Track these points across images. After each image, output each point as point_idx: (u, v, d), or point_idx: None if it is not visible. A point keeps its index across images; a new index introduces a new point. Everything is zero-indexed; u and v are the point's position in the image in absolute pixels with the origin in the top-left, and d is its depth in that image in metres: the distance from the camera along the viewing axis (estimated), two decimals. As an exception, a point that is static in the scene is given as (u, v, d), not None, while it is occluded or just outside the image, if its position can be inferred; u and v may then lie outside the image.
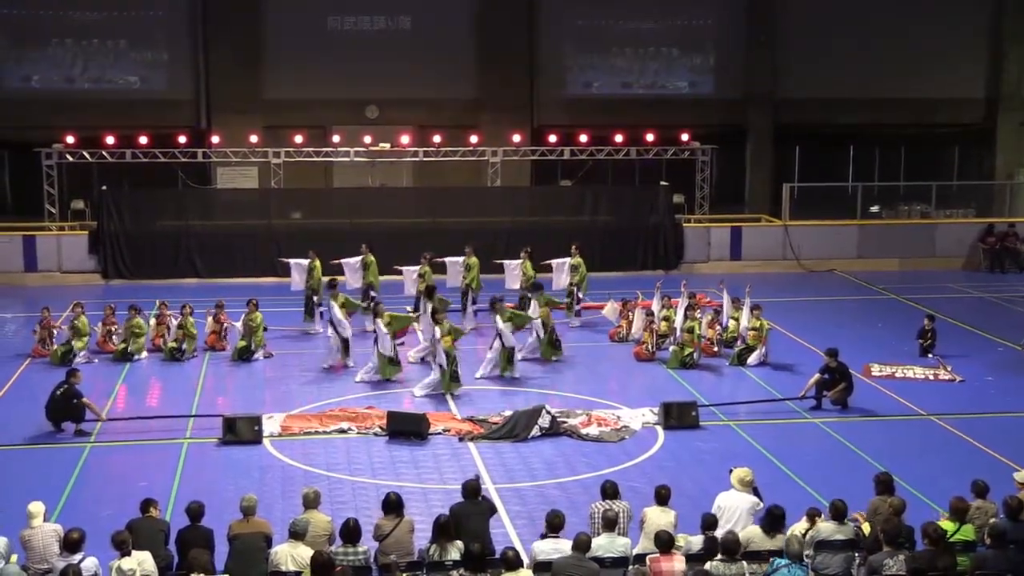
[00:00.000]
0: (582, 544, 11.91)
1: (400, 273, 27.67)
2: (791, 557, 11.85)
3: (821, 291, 32.57)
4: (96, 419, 19.48)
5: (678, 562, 11.99)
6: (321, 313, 26.53)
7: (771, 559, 12.04)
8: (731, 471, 13.82)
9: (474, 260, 27.49)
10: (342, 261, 27.54)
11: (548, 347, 24.23)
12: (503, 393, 21.94)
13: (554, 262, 27.75)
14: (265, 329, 24.69)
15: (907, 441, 19.30)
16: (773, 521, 12.68)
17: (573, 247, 28.00)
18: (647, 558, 12.20)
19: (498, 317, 22.93)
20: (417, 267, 27.21)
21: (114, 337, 24.57)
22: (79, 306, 24.62)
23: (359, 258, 27.43)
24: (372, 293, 26.68)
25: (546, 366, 23.87)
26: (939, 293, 31.61)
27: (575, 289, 27.42)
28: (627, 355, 24.67)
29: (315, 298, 26.74)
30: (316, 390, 22.14)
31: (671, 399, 20.28)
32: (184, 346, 24.13)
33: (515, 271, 27.45)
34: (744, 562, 11.99)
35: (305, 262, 27.05)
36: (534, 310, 24.34)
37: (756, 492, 13.68)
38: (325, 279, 25.93)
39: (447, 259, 27.76)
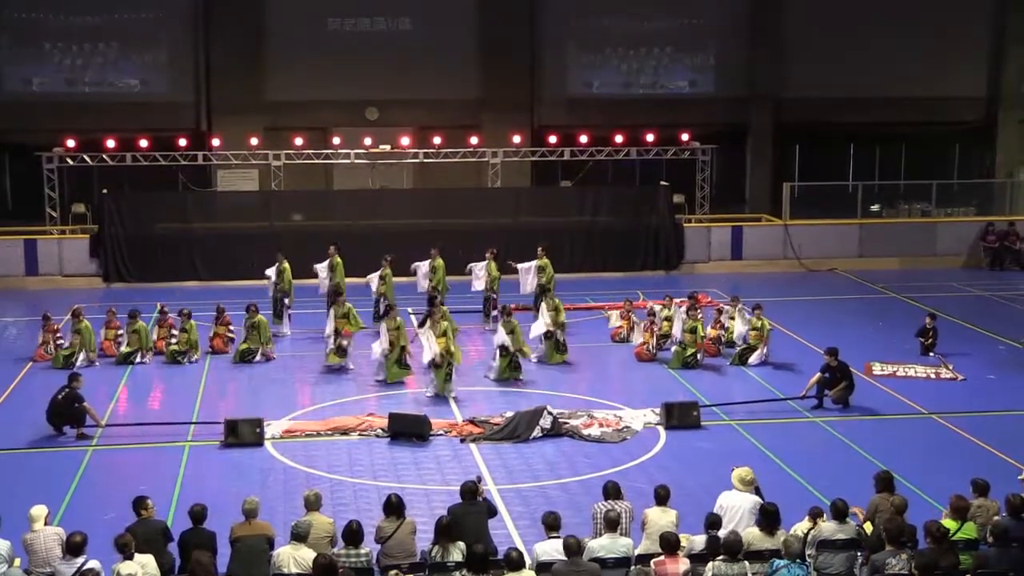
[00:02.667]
0: (572, 547, 11.89)
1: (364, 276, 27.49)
2: (790, 556, 11.85)
3: (822, 290, 32.56)
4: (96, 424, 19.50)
5: (683, 564, 11.99)
6: (290, 316, 26.63)
7: (770, 560, 12.03)
8: (733, 470, 13.82)
9: (440, 262, 27.39)
10: (316, 266, 27.28)
11: (552, 351, 24.19)
12: (504, 394, 21.94)
13: (520, 266, 27.48)
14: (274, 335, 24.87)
15: (908, 440, 19.30)
16: (768, 519, 12.67)
17: (540, 248, 27.83)
18: (651, 560, 12.19)
19: (502, 327, 22.94)
20: (379, 271, 26.92)
21: (117, 340, 24.56)
22: (79, 310, 24.54)
23: (326, 262, 27.28)
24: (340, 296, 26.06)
25: (547, 367, 23.87)
26: (940, 291, 31.61)
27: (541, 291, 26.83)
28: (628, 355, 24.67)
29: (285, 300, 26.70)
30: (318, 392, 22.17)
31: (672, 399, 20.29)
32: (186, 349, 24.13)
33: (480, 273, 27.33)
34: (746, 562, 11.97)
35: (275, 266, 26.79)
36: (543, 312, 24.27)
37: (758, 492, 13.68)
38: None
39: (415, 264, 27.56)
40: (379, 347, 22.55)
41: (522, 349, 23.27)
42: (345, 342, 23.62)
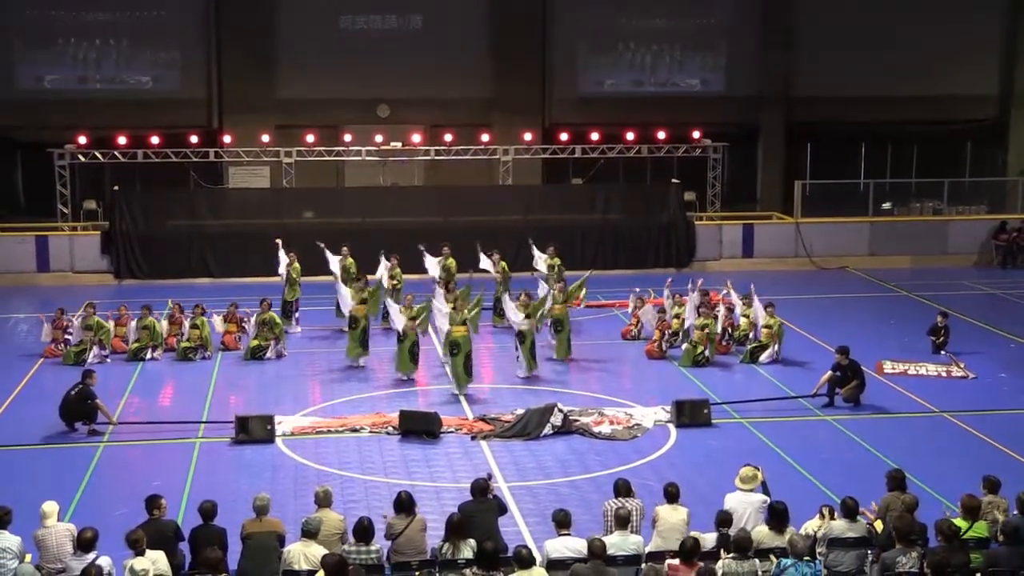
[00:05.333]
0: (598, 549, 11.85)
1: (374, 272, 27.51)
2: (796, 555, 11.83)
3: (833, 288, 32.51)
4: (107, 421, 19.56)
5: (697, 572, 11.92)
6: (297, 318, 26.64)
7: (779, 559, 12.00)
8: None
9: (451, 262, 27.40)
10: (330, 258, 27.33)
11: (561, 346, 24.17)
12: (515, 391, 21.94)
13: (537, 254, 27.66)
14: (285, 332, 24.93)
15: (920, 438, 19.27)
16: (776, 517, 12.64)
17: (550, 249, 27.93)
18: (666, 564, 12.14)
19: (519, 309, 22.85)
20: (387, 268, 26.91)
21: (127, 336, 24.63)
22: (91, 306, 24.66)
23: (339, 256, 27.31)
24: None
25: (558, 364, 23.87)
26: (952, 290, 31.54)
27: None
28: (639, 353, 24.65)
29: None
30: (328, 389, 22.20)
31: (683, 397, 20.28)
32: (197, 345, 24.17)
33: (494, 273, 27.26)
34: (756, 560, 11.96)
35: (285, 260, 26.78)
36: (548, 305, 24.16)
37: (765, 488, 13.67)
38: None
39: (427, 259, 27.59)
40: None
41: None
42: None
